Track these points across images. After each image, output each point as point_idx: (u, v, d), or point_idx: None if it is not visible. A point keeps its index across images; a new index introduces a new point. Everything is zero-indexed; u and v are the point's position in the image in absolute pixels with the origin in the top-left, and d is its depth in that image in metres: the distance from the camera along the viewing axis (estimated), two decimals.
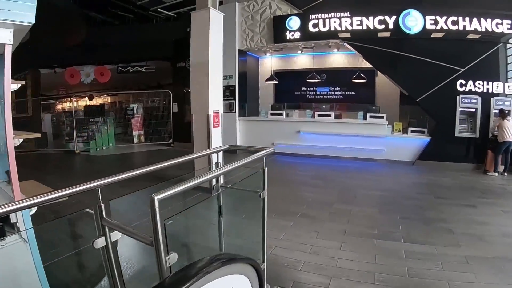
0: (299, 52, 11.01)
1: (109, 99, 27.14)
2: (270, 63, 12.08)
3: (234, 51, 10.41)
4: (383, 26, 8.70)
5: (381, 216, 4.94)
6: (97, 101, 27.91)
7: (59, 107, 21.99)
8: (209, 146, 6.02)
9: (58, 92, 17.76)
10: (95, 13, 13.85)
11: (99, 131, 13.30)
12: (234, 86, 10.63)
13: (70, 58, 14.06)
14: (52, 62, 14.34)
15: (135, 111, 14.35)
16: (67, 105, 27.36)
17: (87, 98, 16.58)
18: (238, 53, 10.56)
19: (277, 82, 11.62)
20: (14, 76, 12.00)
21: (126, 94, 24.22)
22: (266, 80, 11.55)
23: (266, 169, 2.92)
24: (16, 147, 6.35)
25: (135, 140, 14.23)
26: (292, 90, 12.17)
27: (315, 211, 5.12)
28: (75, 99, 13.89)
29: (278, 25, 9.78)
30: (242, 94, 10.96)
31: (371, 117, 8.95)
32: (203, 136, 6.15)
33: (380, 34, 8.78)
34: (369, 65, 9.64)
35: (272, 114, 10.20)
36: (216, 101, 6.21)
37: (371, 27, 8.81)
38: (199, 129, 6.24)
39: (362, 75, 10.09)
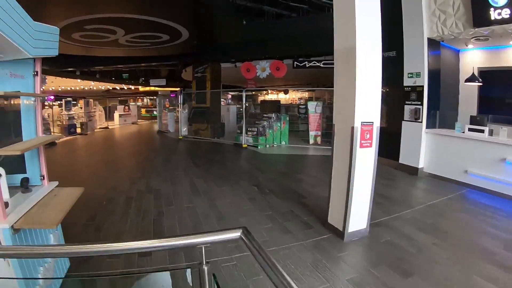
0: None
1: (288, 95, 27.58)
2: (472, 58, 8.86)
3: (422, 40, 7.87)
4: None
5: None
6: (275, 96, 28.60)
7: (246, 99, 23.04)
8: (350, 175, 4.15)
9: (247, 85, 18.08)
10: (268, 7, 13.13)
11: (271, 127, 12.83)
12: (422, 87, 8.06)
13: (249, 53, 13.96)
14: (231, 56, 14.55)
15: (314, 110, 13.32)
16: (262, 97, 28.64)
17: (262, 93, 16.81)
18: (429, 43, 7.92)
19: (480, 84, 8.32)
20: (195, 69, 12.40)
21: (304, 91, 23.72)
22: (466, 81, 8.37)
23: None
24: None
25: (311, 141, 13.28)
26: (502, 96, 8.62)
27: None
28: (245, 93, 13.46)
29: (478, 0, 6.70)
30: (434, 99, 8.24)
31: None
32: (343, 160, 4.27)
33: None
34: None
35: (470, 130, 7.11)
36: (368, 108, 4.18)
37: None
38: (340, 148, 4.40)
39: None
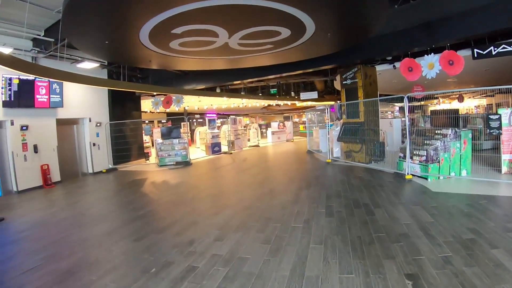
0: None
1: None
2: None
3: None
4: None
5: None
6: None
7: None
8: None
9: (413, 91, 14.30)
10: None
11: (446, 149, 8.71)
12: None
13: (407, 44, 10.22)
14: (384, 53, 11.20)
15: (508, 121, 8.44)
16: (433, 107, 23.18)
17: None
18: None
19: None
20: (343, 76, 8.68)
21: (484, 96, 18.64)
22: None
23: None
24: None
25: (504, 169, 8.57)
26: None
27: None
28: (406, 100, 9.39)
29: None
30: None
31: None
32: None
33: None
34: None
35: None
36: None
37: None
38: None
39: None
